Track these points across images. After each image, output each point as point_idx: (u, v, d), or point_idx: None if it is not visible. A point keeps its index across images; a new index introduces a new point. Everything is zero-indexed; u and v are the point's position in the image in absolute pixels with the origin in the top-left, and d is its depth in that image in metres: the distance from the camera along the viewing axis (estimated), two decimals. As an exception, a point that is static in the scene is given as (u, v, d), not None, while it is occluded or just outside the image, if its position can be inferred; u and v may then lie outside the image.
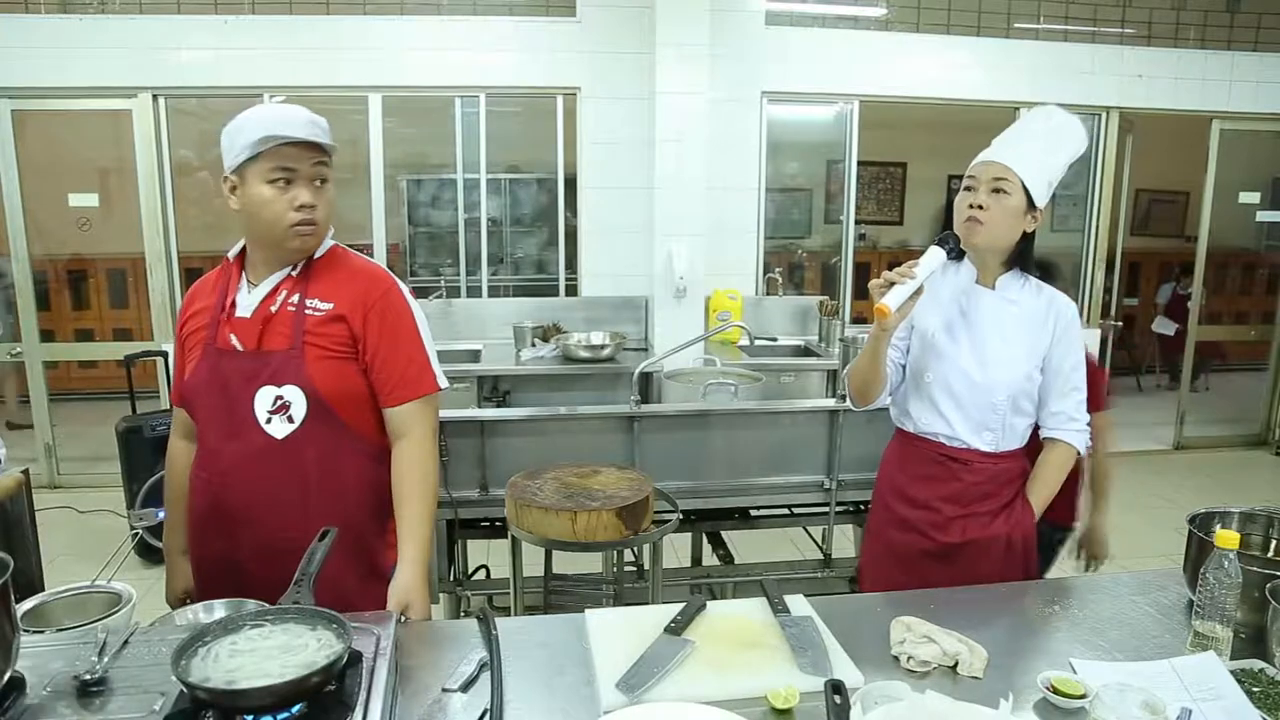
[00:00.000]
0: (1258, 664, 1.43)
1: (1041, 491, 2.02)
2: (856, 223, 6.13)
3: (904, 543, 2.05)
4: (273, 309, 1.74)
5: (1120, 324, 6.51)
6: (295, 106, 1.73)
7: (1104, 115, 5.87)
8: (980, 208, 1.90)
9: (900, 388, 2.08)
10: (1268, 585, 1.48)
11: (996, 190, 1.89)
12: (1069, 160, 1.98)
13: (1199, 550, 1.64)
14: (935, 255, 1.84)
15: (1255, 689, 1.36)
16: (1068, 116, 1.99)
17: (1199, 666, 1.40)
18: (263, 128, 1.66)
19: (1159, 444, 6.51)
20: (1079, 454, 2.01)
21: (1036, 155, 1.92)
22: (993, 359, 1.94)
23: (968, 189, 1.94)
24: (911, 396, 2.05)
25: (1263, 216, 7.08)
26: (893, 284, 1.78)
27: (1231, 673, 1.38)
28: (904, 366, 2.06)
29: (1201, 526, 1.72)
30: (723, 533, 3.50)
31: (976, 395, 1.94)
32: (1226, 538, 1.46)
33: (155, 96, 5.06)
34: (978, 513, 1.97)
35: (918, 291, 1.80)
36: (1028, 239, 1.97)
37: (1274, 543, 1.82)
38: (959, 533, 1.98)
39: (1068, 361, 1.97)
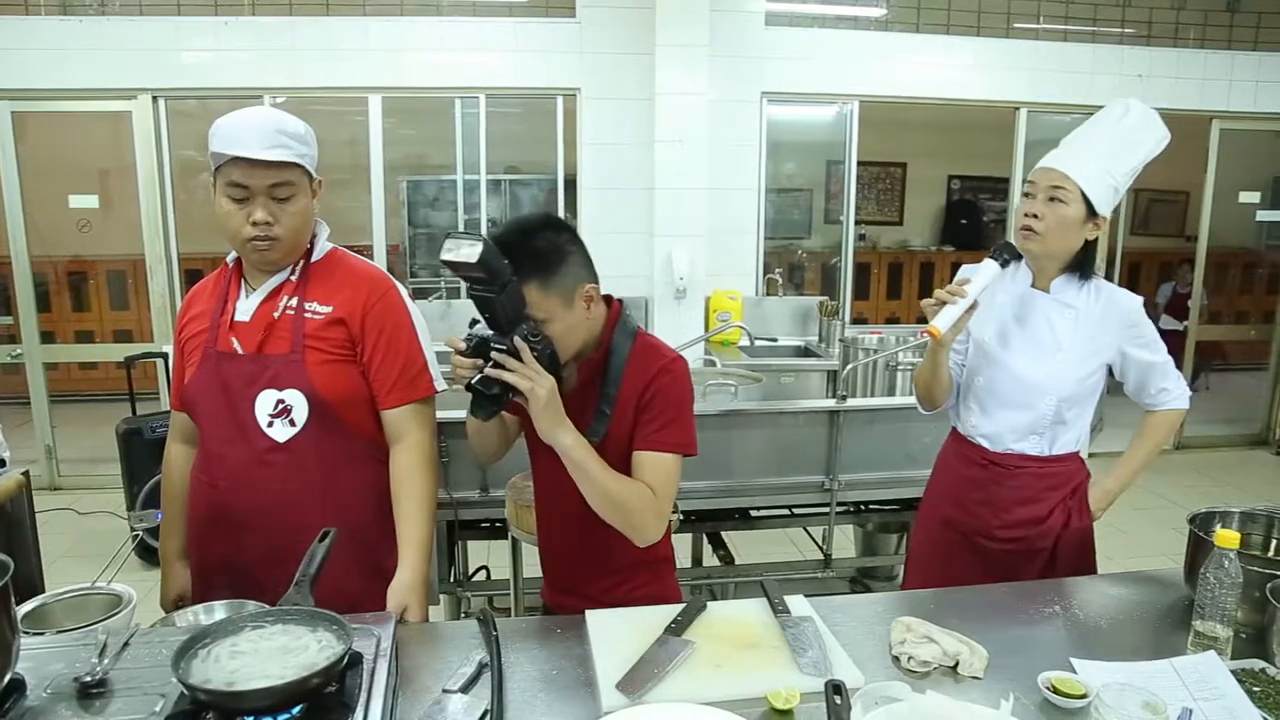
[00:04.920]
0: (1259, 664, 1.43)
1: (1144, 449, 2.01)
2: (856, 223, 6.14)
3: (947, 541, 2.05)
4: (274, 314, 1.73)
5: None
6: (261, 115, 1.66)
7: (1104, 115, 5.86)
8: (1035, 217, 1.84)
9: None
10: (1268, 585, 1.48)
11: (1053, 199, 1.83)
12: (1144, 160, 1.89)
13: (1199, 550, 1.64)
14: (989, 270, 1.81)
15: (1256, 689, 1.36)
16: (1145, 113, 1.89)
17: (1200, 666, 1.40)
18: (220, 141, 1.61)
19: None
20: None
21: (1101, 159, 1.84)
22: (1043, 363, 1.92)
23: (1026, 195, 1.88)
24: (961, 399, 2.04)
25: (1263, 216, 7.09)
26: (944, 303, 1.76)
27: (1232, 672, 1.38)
28: (963, 367, 2.05)
29: (1202, 526, 1.72)
30: (723, 533, 3.50)
31: (1026, 399, 1.92)
32: (1227, 537, 1.46)
33: (155, 98, 5.06)
34: (1023, 518, 1.96)
35: (971, 307, 1.78)
36: (1089, 246, 1.90)
37: (1274, 542, 1.82)
38: (1003, 539, 1.97)
39: (1148, 350, 1.94)
